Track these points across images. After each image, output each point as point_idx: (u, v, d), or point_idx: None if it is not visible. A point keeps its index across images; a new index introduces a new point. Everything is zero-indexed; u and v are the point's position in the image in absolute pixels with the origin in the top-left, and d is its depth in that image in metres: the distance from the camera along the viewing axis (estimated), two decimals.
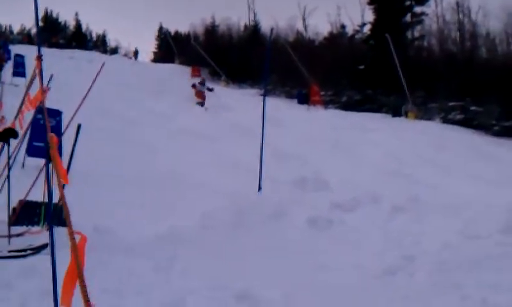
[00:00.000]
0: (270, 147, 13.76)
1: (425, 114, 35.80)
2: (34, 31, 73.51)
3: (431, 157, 18.62)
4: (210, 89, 32.06)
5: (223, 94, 34.98)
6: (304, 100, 37.31)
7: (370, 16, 46.44)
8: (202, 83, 32.33)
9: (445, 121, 34.92)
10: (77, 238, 3.66)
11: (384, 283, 7.16)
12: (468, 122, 34.31)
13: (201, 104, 29.93)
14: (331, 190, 12.32)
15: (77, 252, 3.45)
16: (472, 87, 34.67)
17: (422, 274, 7.23)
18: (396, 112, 35.45)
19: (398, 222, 9.55)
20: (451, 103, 35.88)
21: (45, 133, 4.43)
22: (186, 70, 48.68)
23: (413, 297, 6.61)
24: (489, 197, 11.35)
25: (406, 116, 34.77)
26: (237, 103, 30.88)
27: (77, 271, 3.31)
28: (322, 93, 38.51)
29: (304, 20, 57.48)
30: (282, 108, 29.76)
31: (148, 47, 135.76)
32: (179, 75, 45.27)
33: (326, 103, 38.51)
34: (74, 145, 7.82)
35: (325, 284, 7.10)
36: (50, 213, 5.63)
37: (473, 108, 34.94)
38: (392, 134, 23.27)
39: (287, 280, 7.22)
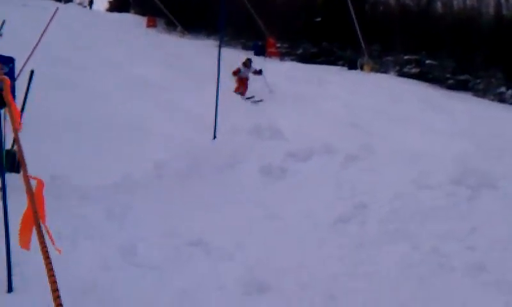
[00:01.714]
0: (226, 96, 13.74)
1: (380, 67, 36.06)
2: None
3: (385, 109, 18.82)
4: (258, 72, 22.48)
5: (179, 44, 34.56)
6: (260, 51, 37.14)
7: None
8: (247, 65, 22.23)
9: (401, 74, 35.31)
10: (34, 183, 3.63)
11: (337, 232, 7.28)
12: (423, 75, 34.75)
13: (242, 94, 21.53)
14: (286, 139, 12.37)
15: (33, 195, 3.41)
16: (427, 41, 34.98)
17: (373, 223, 7.37)
18: (352, 65, 35.62)
19: (351, 172, 9.67)
20: (406, 57, 36.24)
21: None
22: (141, 20, 47.87)
23: (364, 246, 6.74)
24: (442, 149, 11.58)
25: (362, 69, 34.98)
26: (194, 53, 30.50)
27: (33, 215, 3.28)
28: (278, 44, 38.41)
29: None
30: (237, 59, 29.57)
31: None
32: (134, 24, 44.54)
33: (282, 55, 38.44)
34: (27, 91, 7.68)
35: (277, 233, 7.19)
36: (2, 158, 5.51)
37: (428, 61, 35.38)
38: (347, 87, 23.41)
39: (239, 228, 7.30)
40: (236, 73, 21.58)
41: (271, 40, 37.00)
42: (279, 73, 25.45)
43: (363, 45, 35.25)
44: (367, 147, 11.14)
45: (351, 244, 6.78)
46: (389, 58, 37.19)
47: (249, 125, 13.20)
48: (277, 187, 9.33)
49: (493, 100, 32.92)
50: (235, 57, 24.27)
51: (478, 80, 34.57)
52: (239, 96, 21.13)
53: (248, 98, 21.10)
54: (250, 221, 7.65)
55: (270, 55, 35.97)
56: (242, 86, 21.83)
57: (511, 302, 4.97)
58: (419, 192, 8.17)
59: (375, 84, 26.19)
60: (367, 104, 19.40)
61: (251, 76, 22.15)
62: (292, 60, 38.72)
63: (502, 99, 33.74)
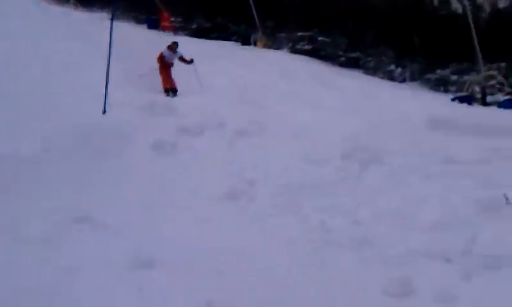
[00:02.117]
0: (118, 70, 13.49)
1: (274, 44, 36.33)
2: None
3: (277, 85, 18.93)
4: (189, 61, 18.65)
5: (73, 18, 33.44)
6: (154, 25, 36.61)
7: None
8: (173, 49, 18.41)
9: (294, 51, 35.66)
10: None
11: (226, 207, 7.32)
12: (316, 52, 35.29)
13: (174, 91, 17.26)
14: (178, 115, 12.26)
15: None
16: (320, 18, 35.55)
17: (263, 198, 7.46)
18: (245, 41, 35.73)
19: (242, 148, 9.74)
20: (300, 34, 36.64)
21: None
22: None
23: (253, 220, 6.81)
24: (332, 125, 11.80)
25: (255, 45, 35.15)
26: (88, 26, 29.51)
27: None
28: (172, 19, 37.94)
29: None
30: (132, 33, 28.94)
31: None
32: None
33: (176, 30, 38.00)
34: None
35: (166, 208, 7.16)
36: None
37: (320, 38, 35.96)
38: (240, 62, 23.40)
39: (127, 203, 7.22)
40: (160, 59, 17.76)
41: (165, 14, 36.48)
42: None
43: (257, 21, 35.38)
44: (258, 123, 11.24)
45: (240, 219, 6.84)
46: (282, 34, 37.50)
47: (141, 100, 13.00)
48: (168, 162, 9.29)
49: (382, 77, 33.93)
50: (130, 31, 23.77)
51: (369, 58, 35.53)
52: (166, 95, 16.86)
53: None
54: (139, 196, 7.58)
55: (164, 29, 35.47)
56: (168, 77, 17.68)
57: (394, 276, 5.13)
58: (308, 167, 8.33)
59: (268, 61, 26.31)
60: (259, 80, 19.44)
61: (177, 63, 18.29)
62: (186, 35, 38.36)
63: (391, 77, 34.86)
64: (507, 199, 6.98)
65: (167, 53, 18.06)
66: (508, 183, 7.60)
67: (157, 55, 17.88)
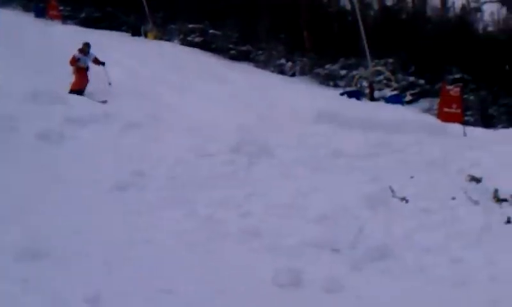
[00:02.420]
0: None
1: (164, 35, 36.04)
2: None
3: (168, 77, 18.81)
4: (101, 63, 17.13)
5: None
6: (41, 13, 35.42)
7: None
8: (85, 51, 16.80)
9: (184, 43, 35.53)
10: None
11: (116, 198, 7.20)
12: (207, 45, 35.31)
13: (81, 93, 15.61)
14: (66, 104, 11.90)
15: None
16: (211, 10, 35.59)
17: (152, 190, 7.39)
18: (136, 32, 35.25)
19: (131, 140, 9.61)
20: (191, 26, 36.53)
21: None
22: None
23: (142, 213, 6.73)
24: (222, 118, 11.87)
25: (146, 36, 34.76)
26: None
27: None
28: (60, 7, 36.84)
29: None
30: (17, 21, 27.83)
31: None
32: None
33: (64, 19, 36.94)
34: None
35: (54, 199, 6.95)
36: None
37: (211, 31, 36.00)
38: (130, 54, 23.07)
39: (14, 193, 6.95)
40: (73, 62, 16.10)
41: (53, 2, 35.35)
42: (62, 37, 24.41)
43: (147, 11, 34.97)
44: (148, 115, 11.12)
45: (128, 211, 6.74)
46: (173, 26, 37.28)
47: (27, 88, 12.52)
48: (55, 153, 8.98)
49: (273, 71, 34.39)
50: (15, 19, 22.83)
51: (260, 52, 35.91)
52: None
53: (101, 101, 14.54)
54: (25, 186, 7.31)
55: (51, 17, 34.38)
56: (81, 79, 16.23)
57: (283, 267, 5.21)
58: (198, 160, 8.34)
59: (159, 52, 26.05)
60: (149, 72, 19.26)
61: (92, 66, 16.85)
62: (75, 24, 37.40)
63: (281, 71, 35.41)
64: (392, 191, 7.27)
65: (79, 56, 16.37)
66: (394, 176, 7.94)
67: (70, 58, 16.06)
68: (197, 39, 35.88)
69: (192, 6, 36.04)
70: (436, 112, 17.07)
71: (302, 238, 5.81)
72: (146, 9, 34.65)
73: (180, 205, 6.84)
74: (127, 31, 36.08)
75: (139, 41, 30.63)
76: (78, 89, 15.62)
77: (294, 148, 8.87)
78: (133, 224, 6.29)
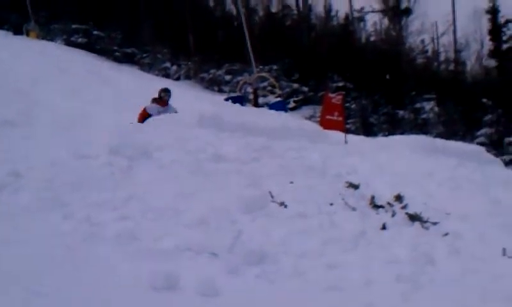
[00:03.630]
0: None
1: (47, 35, 35.10)
2: None
3: (50, 77, 18.32)
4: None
5: None
6: None
7: None
8: (164, 102, 13.43)
9: (68, 43, 34.80)
10: None
11: None
12: (91, 46, 34.72)
13: None
14: None
15: None
16: (95, 11, 35.10)
17: (27, 192, 7.09)
18: (17, 31, 34.08)
19: (7, 139, 9.21)
20: (74, 26, 35.83)
21: None
22: None
23: (16, 215, 6.44)
24: (102, 119, 11.64)
25: (28, 35, 33.65)
26: None
27: None
28: None
29: None
30: None
31: None
32: None
33: None
34: None
35: None
36: None
37: (96, 32, 35.44)
38: (12, 53, 22.28)
39: None
40: (142, 118, 12.63)
41: None
42: None
43: (29, 10, 33.92)
44: (26, 114, 10.73)
45: (2, 213, 6.43)
46: (56, 26, 36.41)
47: None
48: None
49: (158, 74, 34.29)
50: None
51: (144, 55, 35.70)
52: None
53: None
54: None
55: None
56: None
57: (160, 270, 5.10)
58: (76, 161, 8.08)
59: (41, 52, 25.31)
60: (30, 71, 18.66)
61: None
62: None
63: (166, 74, 35.40)
64: (272, 196, 7.33)
65: (154, 109, 12.92)
66: (274, 181, 8.03)
67: (140, 112, 12.77)
68: (81, 40, 35.28)
69: (76, 6, 35.37)
70: (318, 119, 17.47)
71: (179, 241, 5.72)
72: (29, 7, 33.54)
73: (56, 207, 6.58)
74: (8, 30, 34.78)
75: (20, 40, 29.53)
76: None
77: (174, 151, 8.77)
78: (7, 226, 6.00)
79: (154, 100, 13.17)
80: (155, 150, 8.53)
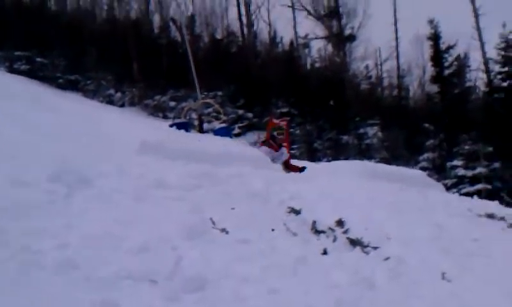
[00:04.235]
0: None
1: None
2: None
3: None
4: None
5: None
6: None
7: None
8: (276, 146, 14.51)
9: (11, 70, 34.33)
10: None
11: None
12: (34, 73, 34.33)
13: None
14: None
15: None
16: (39, 38, 34.69)
17: None
18: None
19: None
20: (17, 53, 35.41)
21: None
22: None
23: None
24: (43, 146, 11.44)
25: None
26: None
27: None
28: None
29: None
30: None
31: None
32: None
33: None
34: None
35: None
36: None
37: (39, 59, 35.09)
38: None
39: None
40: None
41: None
42: None
43: None
44: None
45: None
46: None
47: None
48: None
49: (102, 101, 34.11)
50: None
51: (88, 81, 35.47)
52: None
53: None
54: None
55: None
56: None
57: (98, 299, 5.07)
58: (14, 189, 7.94)
59: None
60: None
61: None
62: None
63: (110, 101, 35.27)
64: (213, 223, 7.33)
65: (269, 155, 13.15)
66: (216, 207, 8.05)
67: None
68: (24, 67, 34.88)
69: (19, 33, 34.95)
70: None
71: (119, 269, 5.68)
72: None
73: None
74: None
75: None
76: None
77: (115, 178, 8.71)
78: None
79: (267, 142, 14.30)
80: (95, 177, 8.44)
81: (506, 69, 41.69)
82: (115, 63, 36.81)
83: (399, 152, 38.55)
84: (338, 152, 36.82)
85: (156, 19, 49.47)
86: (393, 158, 35.03)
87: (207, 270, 5.91)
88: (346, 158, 29.74)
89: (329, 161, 26.23)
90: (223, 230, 7.23)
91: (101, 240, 6.42)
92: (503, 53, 41.96)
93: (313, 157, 34.21)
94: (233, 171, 10.57)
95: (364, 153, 36.97)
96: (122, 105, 36.28)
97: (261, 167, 12.27)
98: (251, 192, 9.43)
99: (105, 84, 36.40)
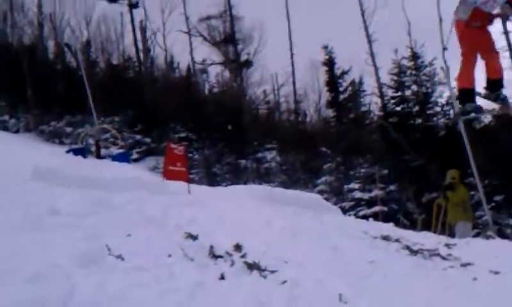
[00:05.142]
0: None
1: None
2: None
3: None
4: None
5: None
6: None
7: None
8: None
9: None
10: None
11: None
12: None
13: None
14: None
15: None
16: None
17: None
18: None
19: None
20: None
21: None
22: None
23: None
24: None
25: None
26: None
27: None
28: None
29: None
30: None
31: None
32: None
33: None
34: None
35: None
36: None
37: None
38: None
39: None
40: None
41: None
42: None
43: None
44: None
45: None
46: None
47: None
48: None
49: None
50: None
51: None
52: None
53: None
54: None
55: None
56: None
57: None
58: None
59: None
60: None
61: None
62: None
63: (5, 127, 34.37)
64: (109, 249, 7.27)
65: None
66: (112, 234, 7.96)
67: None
68: None
69: None
70: (161, 170, 17.53)
71: (12, 300, 5.54)
72: None
73: None
74: None
75: None
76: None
77: (5, 207, 8.47)
78: None
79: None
80: None
81: (399, 94, 43.35)
82: (9, 89, 35.90)
83: (297, 176, 39.24)
84: (237, 176, 37.06)
85: (51, 45, 48.56)
86: (291, 182, 35.62)
87: (102, 297, 5.86)
88: (245, 183, 30.01)
89: (228, 186, 26.38)
90: (119, 257, 7.17)
91: None
92: (396, 78, 43.58)
93: (213, 181, 34.25)
94: (129, 196, 10.49)
95: (263, 177, 37.37)
96: (17, 131, 35.35)
97: (158, 192, 12.24)
98: (148, 217, 9.39)
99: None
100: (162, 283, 6.61)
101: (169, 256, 7.67)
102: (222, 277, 7.31)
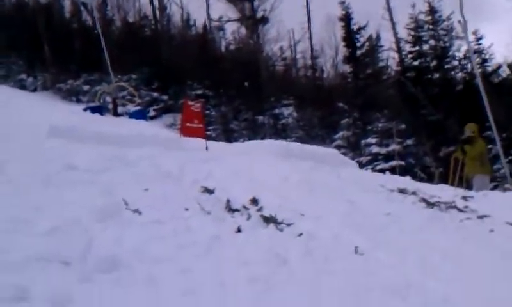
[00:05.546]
0: None
1: None
2: None
3: None
4: None
5: None
6: None
7: None
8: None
9: None
10: None
11: None
12: None
13: None
14: None
15: None
16: None
17: None
18: None
19: None
20: None
21: None
22: None
23: None
24: None
25: None
26: None
27: None
28: None
29: None
30: None
31: None
32: None
33: None
34: None
35: None
36: None
37: None
38: None
39: None
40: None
41: None
42: None
43: None
44: None
45: None
46: None
47: None
48: None
49: (13, 86, 33.23)
50: None
51: None
52: None
53: None
54: None
55: None
56: None
57: (8, 282, 4.96)
58: None
59: None
60: None
61: None
62: None
63: (22, 86, 34.43)
64: (126, 204, 7.32)
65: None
66: (129, 189, 8.01)
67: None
68: None
69: None
70: (179, 127, 17.58)
71: (29, 252, 5.57)
72: None
73: None
74: None
75: None
76: None
77: (25, 163, 8.53)
78: None
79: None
80: (3, 163, 8.26)
81: (417, 48, 42.94)
82: (26, 48, 35.97)
83: (315, 131, 39.20)
84: (255, 132, 37.06)
85: (67, 3, 48.48)
86: (308, 138, 35.57)
87: (120, 250, 5.90)
88: (263, 138, 29.97)
89: (246, 141, 26.40)
90: (136, 211, 7.23)
91: (10, 224, 6.30)
92: (413, 33, 43.15)
93: (230, 137, 34.32)
94: (145, 152, 10.51)
95: (280, 133, 37.34)
96: (35, 90, 35.52)
97: (175, 148, 12.27)
98: (165, 172, 9.44)
99: (16, 68, 35.63)
100: (179, 236, 6.65)
101: (186, 209, 7.72)
102: (238, 230, 7.36)
